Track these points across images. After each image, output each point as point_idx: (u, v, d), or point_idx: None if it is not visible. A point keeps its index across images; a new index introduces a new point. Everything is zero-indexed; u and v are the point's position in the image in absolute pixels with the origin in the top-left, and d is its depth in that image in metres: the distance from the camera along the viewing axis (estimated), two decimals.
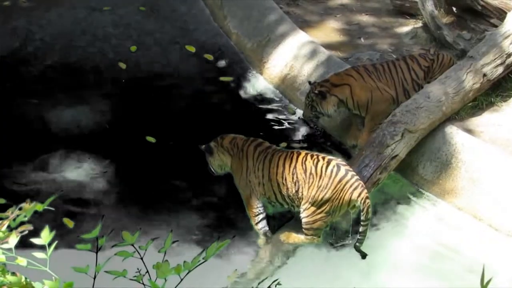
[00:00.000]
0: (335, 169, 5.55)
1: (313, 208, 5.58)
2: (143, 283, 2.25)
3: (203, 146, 5.96)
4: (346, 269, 5.40)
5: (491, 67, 6.55)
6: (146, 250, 2.33)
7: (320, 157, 5.65)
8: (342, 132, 6.91)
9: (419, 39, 7.82)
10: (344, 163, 5.67)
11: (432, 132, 6.28)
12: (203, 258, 2.22)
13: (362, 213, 5.53)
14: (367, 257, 5.58)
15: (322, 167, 5.57)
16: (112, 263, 2.32)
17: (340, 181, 5.52)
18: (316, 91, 6.44)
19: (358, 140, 6.57)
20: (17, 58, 7.92)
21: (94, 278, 2.29)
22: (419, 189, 6.27)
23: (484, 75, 6.52)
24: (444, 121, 6.35)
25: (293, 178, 5.64)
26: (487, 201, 5.92)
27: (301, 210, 5.65)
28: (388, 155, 6.02)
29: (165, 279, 2.23)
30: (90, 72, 7.76)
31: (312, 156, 5.67)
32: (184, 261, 2.26)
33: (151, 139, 6.76)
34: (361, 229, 5.55)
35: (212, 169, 6.00)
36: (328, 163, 5.59)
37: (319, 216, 5.60)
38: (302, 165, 5.63)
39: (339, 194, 5.52)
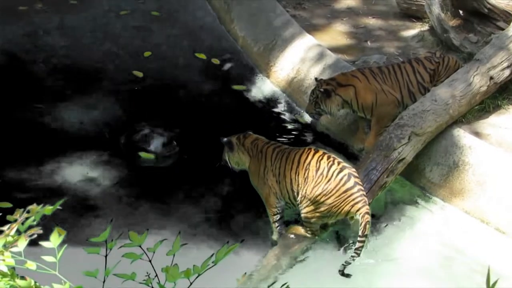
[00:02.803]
0: (345, 178, 5.49)
1: (312, 206, 5.55)
2: (152, 287, 2.25)
3: (225, 139, 5.94)
4: (352, 272, 5.39)
5: (498, 69, 6.54)
6: (154, 252, 2.32)
7: (336, 161, 5.57)
8: (349, 136, 6.91)
9: (425, 42, 7.81)
10: (356, 174, 5.58)
11: (439, 135, 6.27)
12: (212, 262, 2.22)
13: (360, 228, 5.38)
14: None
15: (334, 171, 5.51)
16: (121, 264, 2.32)
17: (345, 191, 5.47)
18: (322, 89, 6.44)
19: (365, 143, 6.56)
20: (28, 60, 7.96)
21: (104, 282, 2.30)
22: (426, 192, 6.26)
23: (491, 78, 6.52)
24: (451, 124, 6.34)
25: (304, 174, 5.59)
26: (494, 204, 5.91)
27: (301, 205, 5.61)
28: (395, 158, 6.01)
29: (174, 282, 2.23)
30: (99, 76, 7.78)
31: (328, 158, 5.60)
32: (194, 265, 2.25)
33: (146, 155, 6.73)
34: (357, 245, 5.37)
35: (228, 163, 5.99)
36: (341, 170, 5.52)
37: (317, 214, 5.57)
38: (316, 163, 5.58)
39: (340, 204, 5.48)
